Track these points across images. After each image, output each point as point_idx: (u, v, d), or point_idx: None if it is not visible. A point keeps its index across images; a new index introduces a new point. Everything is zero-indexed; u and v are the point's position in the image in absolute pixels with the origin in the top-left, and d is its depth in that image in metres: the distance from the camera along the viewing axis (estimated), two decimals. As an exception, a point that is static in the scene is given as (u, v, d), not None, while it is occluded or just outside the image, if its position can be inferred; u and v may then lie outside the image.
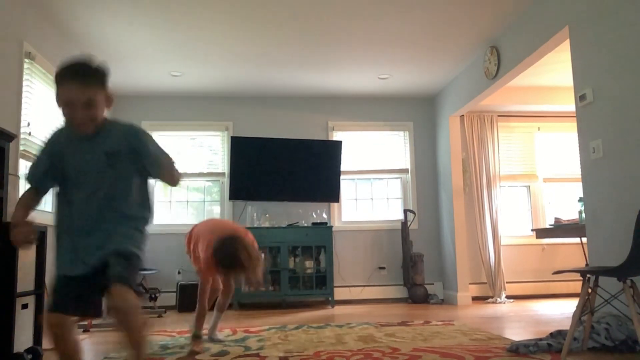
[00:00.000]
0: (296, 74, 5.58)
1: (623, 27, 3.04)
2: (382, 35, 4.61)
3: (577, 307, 2.65)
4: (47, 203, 4.44)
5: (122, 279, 1.65)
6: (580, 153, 3.43)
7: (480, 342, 3.18)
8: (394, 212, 6.35)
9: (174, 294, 5.62)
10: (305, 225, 5.86)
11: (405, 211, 6.09)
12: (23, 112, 3.76)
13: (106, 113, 1.81)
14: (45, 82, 4.24)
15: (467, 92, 5.47)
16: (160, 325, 4.35)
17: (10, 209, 3.14)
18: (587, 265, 3.73)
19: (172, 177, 1.85)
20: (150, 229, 1.88)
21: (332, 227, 5.75)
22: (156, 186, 6.02)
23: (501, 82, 4.75)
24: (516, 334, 3.53)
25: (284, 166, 5.89)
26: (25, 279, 2.92)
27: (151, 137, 1.88)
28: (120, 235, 1.76)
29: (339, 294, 5.95)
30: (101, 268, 1.70)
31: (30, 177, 1.83)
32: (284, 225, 5.80)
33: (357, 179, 6.38)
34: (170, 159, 1.84)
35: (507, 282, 5.94)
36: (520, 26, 4.30)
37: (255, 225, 5.79)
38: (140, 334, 1.66)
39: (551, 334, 3.04)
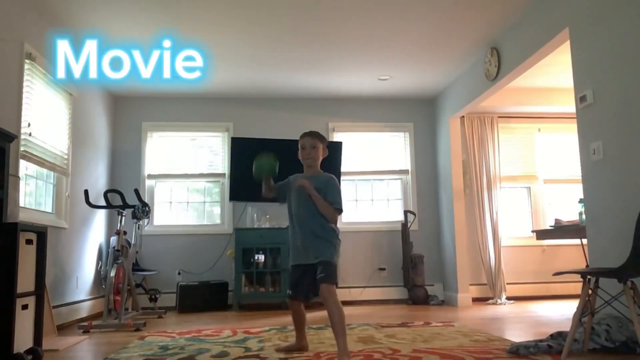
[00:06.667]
0: (296, 75, 5.58)
1: (623, 29, 3.04)
2: (383, 36, 4.61)
3: (577, 308, 2.65)
4: (48, 205, 4.44)
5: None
6: (580, 154, 3.43)
7: (480, 344, 3.17)
8: (394, 213, 6.35)
9: (174, 295, 5.61)
10: (306, 226, 5.84)
11: (406, 212, 6.09)
12: (23, 112, 3.76)
13: None
14: (46, 82, 4.24)
15: (467, 93, 5.47)
16: (160, 326, 4.35)
17: (11, 209, 3.14)
18: (587, 266, 3.73)
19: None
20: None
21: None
22: (156, 187, 6.02)
23: (501, 84, 4.75)
24: (516, 335, 3.52)
25: (284, 167, 5.87)
26: (25, 279, 2.92)
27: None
28: None
29: (339, 295, 5.85)
30: None
31: None
32: (284, 226, 5.78)
33: (358, 180, 6.39)
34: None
35: (507, 284, 5.93)
36: (520, 27, 4.31)
37: (255, 226, 5.79)
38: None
39: (551, 335, 3.04)
